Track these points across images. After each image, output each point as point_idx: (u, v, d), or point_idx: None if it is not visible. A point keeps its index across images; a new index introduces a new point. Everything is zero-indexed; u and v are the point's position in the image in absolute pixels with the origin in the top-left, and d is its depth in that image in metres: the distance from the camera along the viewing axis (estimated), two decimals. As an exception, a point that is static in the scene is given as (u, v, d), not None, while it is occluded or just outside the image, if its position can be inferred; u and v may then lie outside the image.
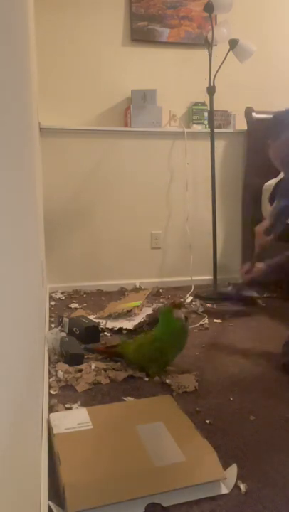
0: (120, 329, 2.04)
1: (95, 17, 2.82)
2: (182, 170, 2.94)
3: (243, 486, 0.99)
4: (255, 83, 3.09)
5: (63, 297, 2.68)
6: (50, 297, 2.69)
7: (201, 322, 2.17)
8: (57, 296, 2.69)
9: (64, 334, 1.82)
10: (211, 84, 2.61)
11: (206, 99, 2.94)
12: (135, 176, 2.88)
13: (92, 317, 2.18)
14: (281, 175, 2.59)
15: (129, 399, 1.40)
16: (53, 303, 2.57)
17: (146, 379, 1.54)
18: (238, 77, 3.04)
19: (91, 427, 1.16)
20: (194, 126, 2.94)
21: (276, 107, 3.05)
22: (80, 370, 1.58)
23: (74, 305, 2.49)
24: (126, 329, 2.03)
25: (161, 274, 3.00)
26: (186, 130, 2.89)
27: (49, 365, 1.64)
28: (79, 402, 1.38)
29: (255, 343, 1.91)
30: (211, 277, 2.79)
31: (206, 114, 2.93)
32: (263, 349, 1.84)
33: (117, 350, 1.67)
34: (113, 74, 2.89)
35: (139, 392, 1.45)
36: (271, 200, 2.59)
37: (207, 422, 1.26)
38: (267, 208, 2.65)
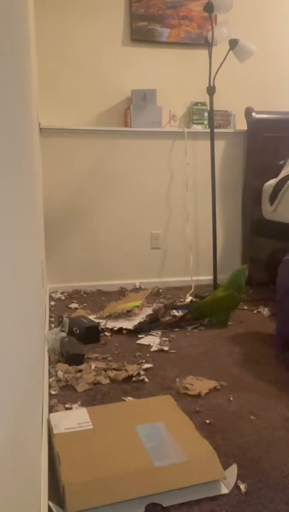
0: (120, 329, 2.04)
1: (95, 17, 2.82)
2: (182, 170, 2.94)
3: (243, 486, 0.99)
4: (255, 83, 3.09)
5: (63, 297, 2.68)
6: (50, 297, 2.69)
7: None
8: (57, 296, 2.69)
9: (64, 334, 1.82)
10: (211, 84, 2.61)
11: (206, 99, 2.95)
12: (135, 176, 2.88)
13: (92, 317, 2.18)
14: (281, 175, 2.59)
15: (129, 399, 1.41)
16: (53, 303, 2.57)
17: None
18: (238, 77, 3.04)
19: (91, 427, 1.16)
20: (194, 126, 2.94)
21: (276, 107, 3.07)
22: (80, 370, 1.58)
23: (74, 305, 2.49)
24: (126, 329, 2.03)
25: (161, 274, 3.00)
26: (186, 130, 2.89)
27: (49, 365, 1.64)
28: (79, 402, 1.38)
29: (255, 343, 1.91)
30: (211, 277, 2.80)
31: (206, 114, 2.93)
32: (263, 349, 1.84)
33: (192, 315, 2.13)
34: (113, 74, 2.89)
35: (139, 392, 1.45)
36: (271, 199, 2.59)
37: (207, 422, 1.27)
38: (266, 208, 2.65)
